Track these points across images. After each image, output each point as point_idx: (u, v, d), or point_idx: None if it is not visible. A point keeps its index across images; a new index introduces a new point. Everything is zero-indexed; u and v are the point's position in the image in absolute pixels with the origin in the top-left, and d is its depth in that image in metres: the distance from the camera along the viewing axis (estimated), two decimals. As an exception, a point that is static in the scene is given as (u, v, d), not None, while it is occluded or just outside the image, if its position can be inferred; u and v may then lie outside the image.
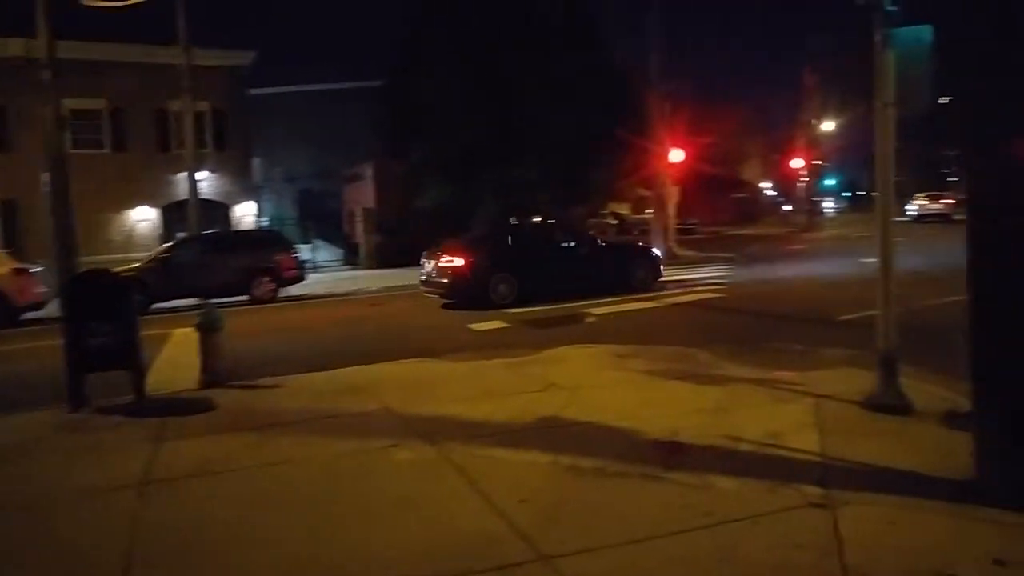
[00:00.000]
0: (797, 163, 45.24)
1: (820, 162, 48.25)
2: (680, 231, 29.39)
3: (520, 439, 5.35)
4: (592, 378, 7.19)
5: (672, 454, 4.92)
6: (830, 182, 66.76)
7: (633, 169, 26.13)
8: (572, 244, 15.59)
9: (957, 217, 49.45)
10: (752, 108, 54.71)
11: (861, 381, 6.19)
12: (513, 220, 23.88)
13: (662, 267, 16.32)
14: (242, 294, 16.94)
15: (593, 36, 26.05)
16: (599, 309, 12.73)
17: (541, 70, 23.26)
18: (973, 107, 3.93)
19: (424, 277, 14.92)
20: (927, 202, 40.73)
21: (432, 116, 23.91)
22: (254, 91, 28.83)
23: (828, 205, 71.08)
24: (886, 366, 5.75)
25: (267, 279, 17.51)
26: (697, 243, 30.73)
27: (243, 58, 27.65)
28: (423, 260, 15.10)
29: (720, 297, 14.15)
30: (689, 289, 15.41)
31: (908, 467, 4.52)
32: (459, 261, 13.96)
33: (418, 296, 15.58)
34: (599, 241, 16.77)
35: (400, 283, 19.09)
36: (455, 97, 23.32)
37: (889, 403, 5.66)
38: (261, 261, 17.53)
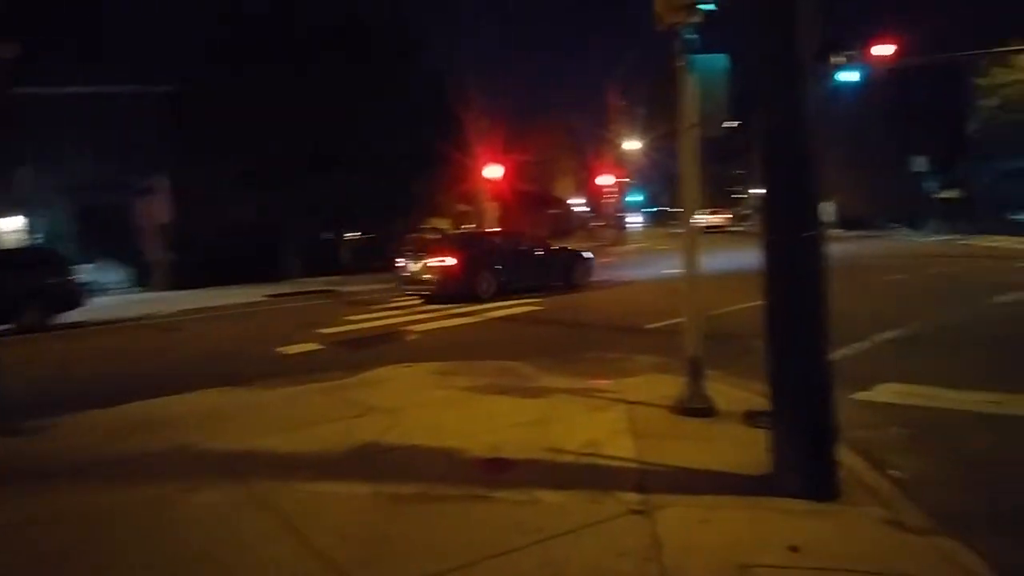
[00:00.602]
0: (605, 180, 47.65)
1: (626, 179, 51.06)
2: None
3: (338, 470, 5.07)
4: (413, 398, 7.00)
5: (497, 471, 4.87)
6: (636, 198, 70.97)
7: (453, 184, 26.29)
8: (533, 248, 18.34)
9: (731, 229, 55.32)
10: (565, 127, 57.07)
11: (670, 386, 6.49)
12: (328, 235, 23.16)
13: (593, 268, 18.97)
14: (6, 322, 14.60)
15: (412, 49, 25.83)
16: (424, 325, 12.60)
17: (357, 80, 22.61)
18: (763, 134, 4.21)
19: (407, 276, 16.98)
20: (710, 216, 48.52)
21: (234, 125, 22.35)
22: (23, 90, 25.22)
23: (634, 220, 75.48)
24: (693, 370, 6.06)
25: (37, 304, 15.06)
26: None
27: (5, 50, 24.00)
28: (403, 262, 17.38)
29: (539, 310, 14.48)
30: (508, 302, 15.65)
31: (716, 467, 4.77)
32: (451, 261, 16.05)
33: (224, 319, 14.68)
34: (552, 247, 19.24)
35: (199, 305, 17.75)
36: (260, 105, 21.90)
37: (696, 406, 5.97)
38: (29, 283, 15.09)
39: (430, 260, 16.30)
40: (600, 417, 6.09)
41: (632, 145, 46.72)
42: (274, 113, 21.59)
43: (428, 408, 6.63)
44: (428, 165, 24.53)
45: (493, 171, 24.32)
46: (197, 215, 23.61)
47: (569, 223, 58.81)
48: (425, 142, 23.55)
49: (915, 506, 4.08)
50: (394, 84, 23.10)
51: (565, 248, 20.24)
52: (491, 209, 25.47)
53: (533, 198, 46.38)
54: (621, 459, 5.01)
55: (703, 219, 45.69)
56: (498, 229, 25.47)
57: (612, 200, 48.52)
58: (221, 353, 11.45)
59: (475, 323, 13.01)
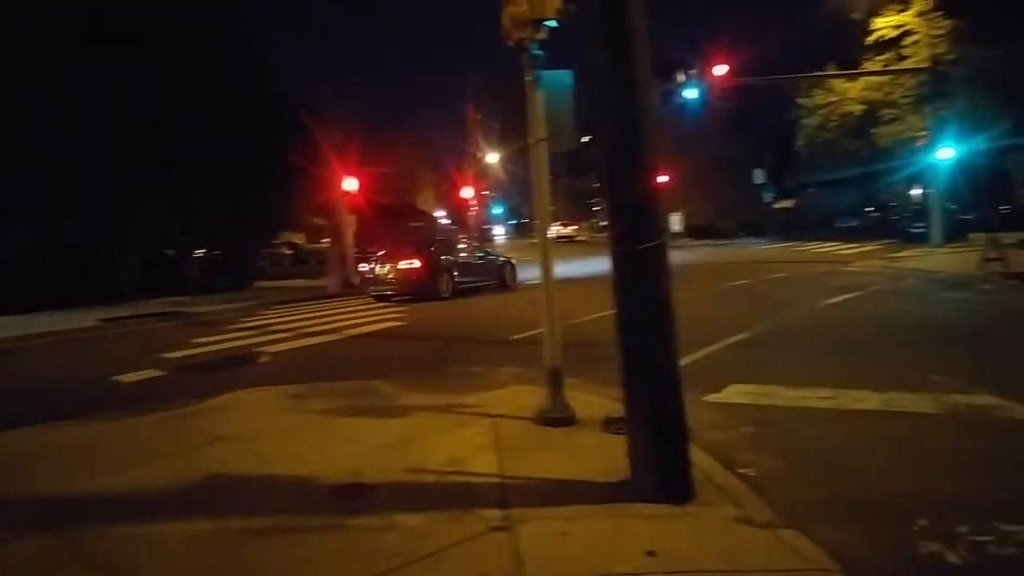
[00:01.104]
0: (467, 193, 47.94)
1: (488, 192, 51.68)
2: (359, 259, 29.34)
3: (181, 507, 4.66)
4: (265, 425, 6.60)
5: (354, 497, 4.67)
6: (498, 210, 71.92)
7: (307, 198, 25.44)
8: (475, 253, 21.16)
9: (579, 238, 57.68)
10: (425, 139, 56.94)
11: (533, 397, 6.52)
12: (171, 252, 21.60)
13: (517, 272, 21.39)
14: None
15: (254, 57, 24.70)
16: (281, 345, 12.05)
17: (168, 84, 21.00)
18: (604, 148, 4.29)
19: (373, 278, 18.96)
20: (561, 227, 51.70)
21: (30, 134, 19.35)
22: None
23: (498, 231, 76.43)
24: (553, 381, 6.10)
25: None
26: (377, 272, 30.91)
27: None
28: (368, 265, 19.63)
29: (401, 325, 14.24)
30: (370, 318, 15.31)
31: (577, 476, 4.80)
32: (417, 263, 18.20)
33: (50, 347, 13.43)
34: (490, 253, 22.56)
35: (19, 333, 15.31)
36: (55, 111, 19.50)
37: (557, 416, 6.01)
38: None
39: (399, 263, 18.32)
40: (463, 433, 6.00)
41: (492, 158, 47.36)
42: (71, 119, 19.45)
43: (281, 434, 6.28)
44: (277, 177, 23.52)
45: (350, 184, 23.72)
46: (8, 234, 20.86)
47: (432, 236, 58.74)
48: (270, 153, 22.50)
49: (763, 502, 4.26)
50: (224, 90, 21.62)
51: (497, 255, 22.69)
52: (349, 223, 24.81)
53: (394, 211, 45.89)
54: (484, 475, 4.94)
55: (554, 230, 47.80)
56: (439, 239, 26.04)
57: (474, 213, 48.87)
58: (46, 385, 10.18)
59: (335, 341, 12.59)
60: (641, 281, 4.22)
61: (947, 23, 26.92)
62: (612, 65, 4.06)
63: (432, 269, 18.34)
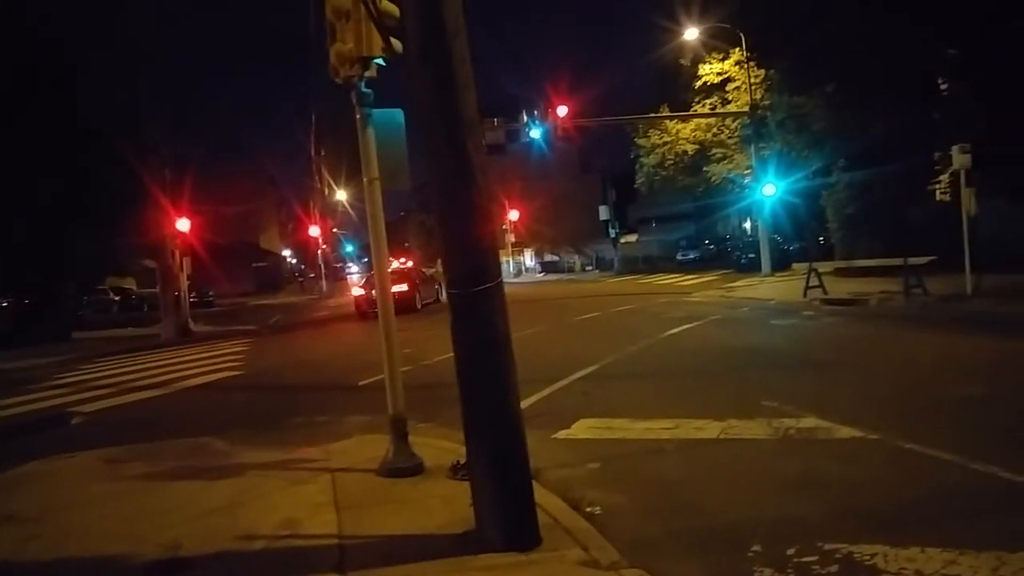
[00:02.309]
0: (315, 231, 46.71)
1: (337, 230, 50.60)
2: (196, 304, 27.71)
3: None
4: (70, 497, 5.84)
5: (171, 575, 4.18)
6: (349, 248, 70.45)
7: (134, 238, 23.75)
8: (424, 274, 28.99)
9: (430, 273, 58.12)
10: (269, 176, 55.16)
11: (378, 446, 6.20)
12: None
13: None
14: None
15: (68, 92, 22.95)
16: (102, 403, 10.96)
17: None
18: (435, 191, 4.17)
19: (363, 298, 25.12)
20: (393, 262, 54.00)
21: None
22: None
23: (352, 269, 74.89)
24: (397, 429, 5.84)
25: None
26: (216, 316, 29.33)
27: None
28: (355, 286, 28.35)
29: (239, 375, 13.42)
30: (204, 368, 14.34)
31: (421, 530, 4.56)
32: (405, 287, 24.30)
33: None
34: (430, 273, 28.72)
35: None
36: None
37: (402, 466, 5.74)
38: None
39: (393, 288, 22.64)
40: (301, 491, 5.59)
41: (340, 195, 46.46)
42: None
43: (89, 507, 5.57)
44: (98, 218, 21.81)
45: (182, 224, 22.33)
46: None
47: (278, 275, 56.66)
48: (85, 192, 20.85)
49: (608, 542, 4.19)
50: (29, 130, 19.94)
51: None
52: (184, 265, 23.29)
53: (235, 251, 43.94)
54: (321, 536, 4.60)
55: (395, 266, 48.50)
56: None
57: (323, 251, 47.63)
58: None
59: (165, 396, 11.65)
60: (478, 323, 4.09)
61: (761, 72, 29.36)
62: (438, 105, 3.95)
63: (412, 290, 25.26)
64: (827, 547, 3.95)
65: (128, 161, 21.26)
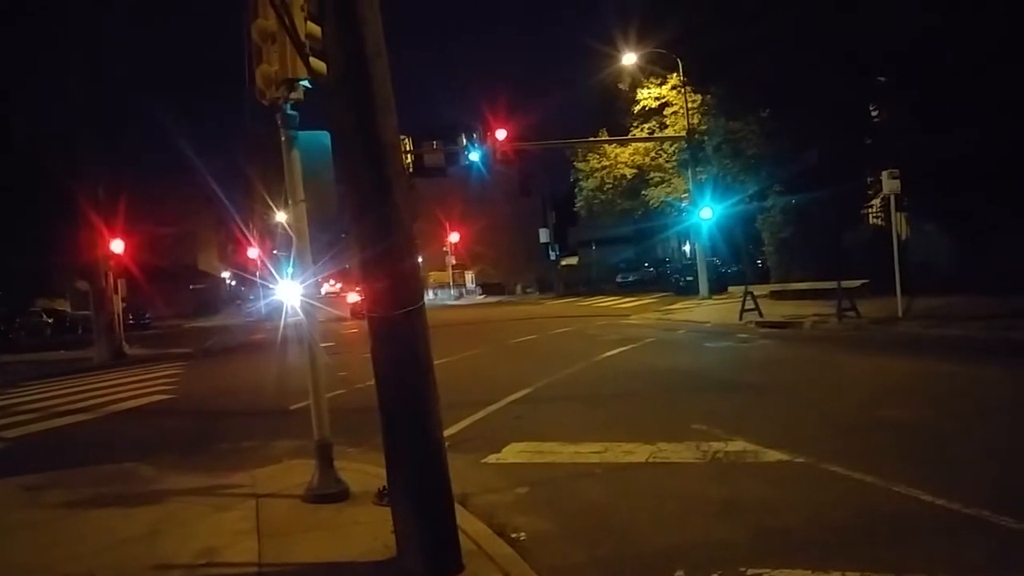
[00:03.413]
0: (254, 252, 45.91)
1: (277, 251, 49.80)
2: (132, 327, 26.92)
3: None
4: (-18, 528, 5.63)
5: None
6: (290, 270, 69.44)
7: (65, 260, 22.99)
8: None
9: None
10: (207, 196, 53.99)
11: (305, 472, 6.10)
12: None
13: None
14: None
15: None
16: (22, 429, 10.51)
17: None
18: (354, 213, 4.15)
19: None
20: (330, 285, 54.55)
21: None
22: None
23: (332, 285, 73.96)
24: (322, 455, 5.77)
25: None
26: (152, 339, 28.50)
27: None
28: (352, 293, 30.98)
29: (171, 399, 13.05)
30: (135, 392, 13.91)
31: (343, 557, 4.51)
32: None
33: None
34: None
35: None
36: None
37: (327, 492, 5.66)
38: None
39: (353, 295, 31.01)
40: (223, 518, 5.47)
41: (280, 216, 45.78)
42: None
43: (1, 536, 5.36)
44: (23, 239, 21.10)
45: (116, 245, 21.68)
46: None
47: (216, 297, 55.43)
48: (10, 213, 20.18)
49: (530, 568, 4.18)
50: None
51: None
52: (117, 287, 22.56)
53: (172, 273, 42.86)
54: (240, 565, 4.51)
55: (325, 288, 49.49)
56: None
57: (262, 273, 46.82)
58: None
59: (92, 420, 11.26)
60: (398, 347, 4.07)
61: (698, 97, 30.13)
62: (358, 127, 3.95)
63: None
64: (750, 572, 4.00)
65: (60, 180, 20.65)
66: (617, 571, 4.35)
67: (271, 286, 50.01)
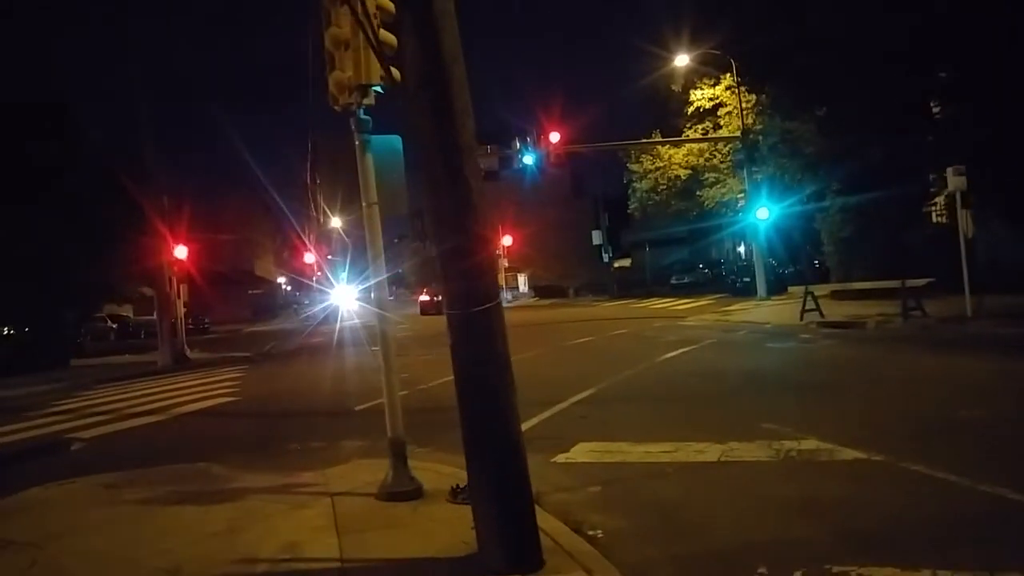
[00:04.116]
0: (310, 258, 46.75)
1: (332, 257, 50.62)
2: (192, 331, 27.66)
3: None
4: (68, 523, 5.80)
5: (171, 601, 4.15)
6: (344, 274, 70.54)
7: (131, 266, 23.76)
8: None
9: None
10: (265, 204, 55.26)
11: (378, 471, 6.18)
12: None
13: None
14: None
15: (67, 123, 23.16)
16: (98, 430, 10.90)
17: None
18: (434, 216, 4.22)
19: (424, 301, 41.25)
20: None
21: None
22: None
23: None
24: (396, 453, 5.83)
25: None
26: (212, 343, 29.24)
27: None
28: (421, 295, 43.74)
29: (236, 401, 13.36)
30: (201, 394, 14.28)
31: (423, 553, 4.54)
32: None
33: None
34: None
35: None
36: None
37: (402, 490, 5.72)
38: None
39: (434, 296, 38.48)
40: (301, 515, 5.57)
41: (335, 222, 46.53)
42: None
43: (87, 533, 5.53)
44: (96, 246, 21.87)
45: (179, 251, 22.34)
46: None
47: (273, 302, 56.58)
48: (86, 222, 20.94)
49: (611, 564, 4.17)
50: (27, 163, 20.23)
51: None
52: (180, 292, 23.24)
53: (230, 279, 43.91)
54: (323, 559, 4.58)
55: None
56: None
57: (318, 278, 47.64)
58: None
59: (162, 422, 11.59)
60: (477, 344, 4.11)
61: (752, 97, 29.69)
62: (437, 132, 4.02)
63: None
64: (836, 569, 3.93)
65: (126, 189, 21.38)
66: (697, 568, 4.31)
67: (327, 290, 51.07)
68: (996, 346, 12.24)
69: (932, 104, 23.17)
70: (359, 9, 4.90)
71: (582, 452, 7.06)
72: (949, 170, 15.77)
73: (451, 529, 4.86)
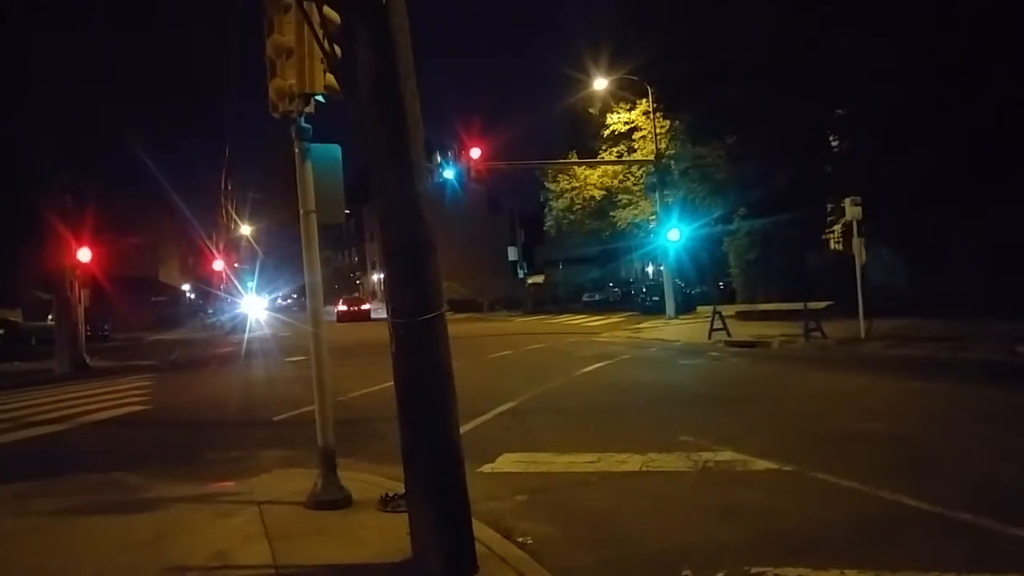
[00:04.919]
0: (218, 265, 45.33)
1: (239, 265, 49.27)
2: (91, 338, 26.35)
3: None
4: (-18, 533, 5.58)
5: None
6: (251, 283, 68.55)
7: (28, 270, 22.49)
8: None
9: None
10: (171, 208, 53.16)
11: (303, 480, 6.19)
12: None
13: None
14: None
15: None
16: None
17: None
18: (381, 223, 4.33)
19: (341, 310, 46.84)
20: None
21: None
22: None
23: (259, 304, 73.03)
24: (326, 461, 5.85)
25: None
26: (114, 351, 27.94)
27: None
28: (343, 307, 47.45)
29: (146, 410, 12.89)
30: (107, 403, 13.70)
31: (357, 559, 4.60)
32: (367, 307, 49.02)
33: None
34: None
35: None
36: None
37: (332, 498, 5.74)
38: None
39: (351, 306, 47.35)
40: (228, 523, 5.51)
41: (245, 230, 45.35)
42: None
43: (3, 543, 5.33)
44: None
45: (83, 255, 21.23)
46: None
47: (178, 310, 54.45)
48: None
49: (543, 569, 4.33)
50: None
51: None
52: (80, 297, 22.08)
53: (132, 284, 42.00)
54: (257, 567, 4.57)
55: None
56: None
57: (225, 286, 46.22)
58: None
59: (68, 430, 11.08)
60: (422, 353, 4.22)
61: (666, 122, 30.82)
62: (389, 145, 4.13)
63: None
64: (754, 570, 4.21)
65: (20, 190, 20.25)
66: (625, 571, 4.53)
67: (235, 299, 49.49)
68: (887, 366, 13.12)
69: (831, 137, 24.69)
70: (316, 20, 4.96)
71: (507, 462, 7.22)
72: (847, 200, 16.82)
73: (383, 536, 4.93)
